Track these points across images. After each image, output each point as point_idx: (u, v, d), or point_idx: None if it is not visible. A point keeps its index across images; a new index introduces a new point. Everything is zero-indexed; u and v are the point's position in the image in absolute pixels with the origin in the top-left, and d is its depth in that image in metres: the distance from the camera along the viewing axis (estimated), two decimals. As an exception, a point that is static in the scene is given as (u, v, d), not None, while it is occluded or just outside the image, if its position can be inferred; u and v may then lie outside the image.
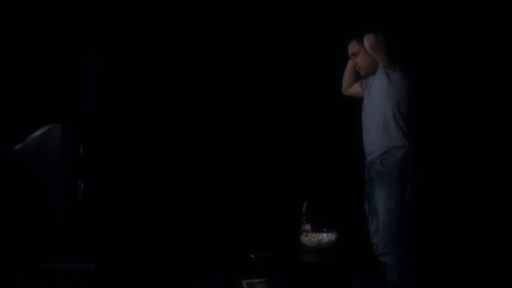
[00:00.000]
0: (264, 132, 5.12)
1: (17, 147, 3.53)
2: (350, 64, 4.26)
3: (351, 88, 4.33)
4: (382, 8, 4.81)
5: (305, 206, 4.25)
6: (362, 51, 4.06)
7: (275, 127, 5.14)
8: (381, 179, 3.87)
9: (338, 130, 4.84)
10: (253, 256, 3.76)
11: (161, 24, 5.07)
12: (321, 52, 4.92)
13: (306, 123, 5.12)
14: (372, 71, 4.08)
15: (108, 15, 4.98)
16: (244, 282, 3.66)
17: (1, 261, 3.52)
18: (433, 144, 4.58)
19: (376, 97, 4.00)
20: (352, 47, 4.13)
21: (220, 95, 5.13)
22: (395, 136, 3.89)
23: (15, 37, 4.88)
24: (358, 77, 4.26)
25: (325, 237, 4.03)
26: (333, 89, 4.34)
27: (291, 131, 5.13)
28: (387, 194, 3.81)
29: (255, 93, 5.12)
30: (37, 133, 3.55)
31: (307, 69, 5.08)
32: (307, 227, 4.20)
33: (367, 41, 3.89)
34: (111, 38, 5.00)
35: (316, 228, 4.15)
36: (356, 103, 4.24)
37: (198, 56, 5.12)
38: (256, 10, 5.06)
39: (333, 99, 4.57)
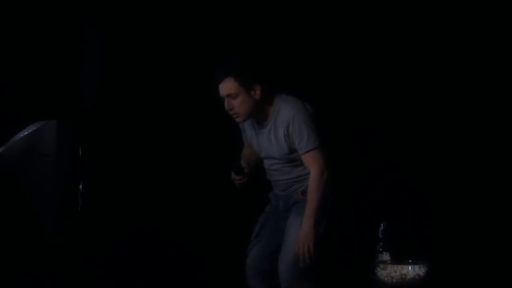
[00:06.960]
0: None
1: (-1, 150, 3.27)
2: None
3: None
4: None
5: (381, 228, 3.65)
6: (242, 93, 3.46)
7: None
8: (302, 208, 3.66)
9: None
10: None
11: (164, 18, 4.85)
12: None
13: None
14: (252, 116, 3.60)
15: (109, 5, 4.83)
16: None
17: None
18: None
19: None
20: (229, 86, 3.47)
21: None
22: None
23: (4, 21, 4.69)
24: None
25: (411, 270, 3.40)
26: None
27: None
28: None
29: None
30: (25, 132, 3.20)
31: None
32: (386, 256, 3.61)
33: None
34: (112, 29, 4.80)
35: (398, 259, 3.57)
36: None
37: (203, 53, 4.77)
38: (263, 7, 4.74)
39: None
